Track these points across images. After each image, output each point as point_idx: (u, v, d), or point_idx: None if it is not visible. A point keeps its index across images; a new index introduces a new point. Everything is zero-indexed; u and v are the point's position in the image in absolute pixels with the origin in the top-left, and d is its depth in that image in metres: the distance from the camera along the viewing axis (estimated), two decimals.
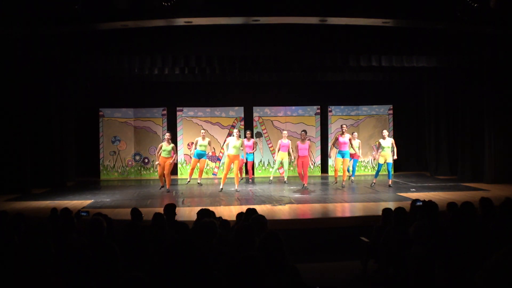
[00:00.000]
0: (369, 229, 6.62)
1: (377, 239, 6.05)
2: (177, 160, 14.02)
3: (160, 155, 11.99)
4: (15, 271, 3.39)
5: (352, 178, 13.33)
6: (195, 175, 13.28)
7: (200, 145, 12.65)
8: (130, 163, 15.33)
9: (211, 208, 6.32)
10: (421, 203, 6.36)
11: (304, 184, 12.30)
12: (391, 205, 7.86)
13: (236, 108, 15.56)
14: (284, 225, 8.16)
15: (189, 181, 13.10)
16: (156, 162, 12.34)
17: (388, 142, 12.50)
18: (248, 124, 15.58)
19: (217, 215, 6.81)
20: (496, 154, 12.70)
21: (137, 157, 15.36)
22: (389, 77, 14.88)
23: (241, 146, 11.99)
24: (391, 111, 15.86)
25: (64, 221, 5.40)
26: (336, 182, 12.87)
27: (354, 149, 12.96)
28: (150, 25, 9.77)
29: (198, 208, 6.24)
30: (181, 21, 9.44)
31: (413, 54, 11.42)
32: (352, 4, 9.28)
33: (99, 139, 15.29)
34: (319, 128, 15.73)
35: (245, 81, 15.05)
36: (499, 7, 8.56)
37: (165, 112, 15.49)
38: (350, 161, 13.13)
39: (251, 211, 5.83)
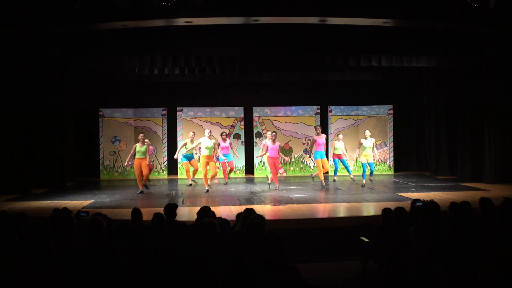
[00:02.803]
0: (369, 229, 6.62)
1: (377, 239, 6.05)
2: (151, 164, 13.87)
3: (132, 156, 11.83)
4: (16, 271, 3.39)
5: (351, 176, 13.30)
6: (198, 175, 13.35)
7: (188, 148, 12.65)
8: (130, 163, 15.30)
9: (211, 208, 6.32)
10: (421, 203, 6.36)
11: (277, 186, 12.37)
12: (391, 205, 7.83)
13: (236, 108, 15.56)
14: (284, 225, 8.16)
15: (190, 184, 13.15)
16: (125, 164, 12.31)
17: (369, 142, 12.43)
18: (248, 124, 15.58)
19: (217, 215, 6.81)
20: (496, 154, 12.70)
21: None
22: (389, 77, 14.87)
23: (216, 147, 11.92)
24: (391, 111, 15.86)
25: (64, 221, 5.40)
26: (325, 185, 12.59)
27: (342, 150, 12.89)
28: (150, 25, 9.76)
29: (198, 208, 6.24)
30: (181, 21, 9.43)
31: (413, 54, 11.41)
32: (352, 4, 9.27)
33: (99, 139, 15.29)
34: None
35: (245, 81, 15.04)
36: (499, 7, 8.56)
37: (165, 112, 15.49)
38: (326, 161, 12.85)
39: (249, 211, 5.82)
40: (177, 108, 15.41)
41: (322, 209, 9.57)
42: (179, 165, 15.17)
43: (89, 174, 15.31)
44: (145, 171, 11.85)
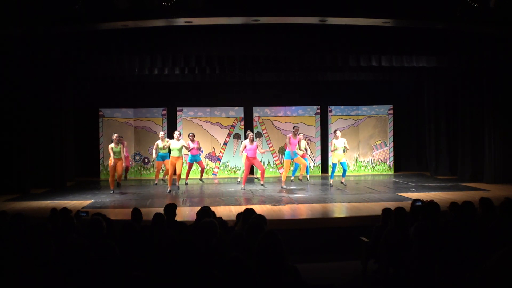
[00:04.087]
0: (369, 229, 6.62)
1: (377, 239, 6.05)
2: (128, 163, 13.88)
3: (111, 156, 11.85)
4: (15, 271, 3.39)
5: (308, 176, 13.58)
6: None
7: (161, 148, 12.48)
8: (130, 163, 15.31)
9: (211, 208, 6.31)
10: (420, 203, 6.36)
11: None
12: (391, 205, 7.83)
13: (236, 108, 15.56)
14: (284, 225, 8.17)
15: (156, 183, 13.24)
16: (107, 163, 12.32)
17: (341, 142, 12.37)
18: (248, 124, 15.58)
19: (217, 215, 6.81)
20: (496, 154, 12.70)
21: (137, 157, 15.36)
22: (389, 77, 14.88)
23: (184, 148, 11.94)
24: (391, 111, 15.86)
25: (63, 221, 5.40)
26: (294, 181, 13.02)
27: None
28: (150, 25, 9.75)
29: (198, 208, 6.24)
30: (181, 21, 9.43)
31: (413, 54, 11.42)
32: (352, 4, 9.27)
33: (99, 139, 15.28)
34: (319, 128, 15.73)
35: (245, 81, 15.05)
36: (499, 7, 8.56)
37: (165, 112, 15.49)
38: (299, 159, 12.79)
39: (250, 212, 5.81)
40: (177, 108, 15.42)
41: (322, 209, 9.57)
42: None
43: (89, 174, 15.31)
44: (119, 171, 11.92)
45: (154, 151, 12.39)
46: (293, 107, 15.74)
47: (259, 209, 9.11)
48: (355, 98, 15.90)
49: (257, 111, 15.61)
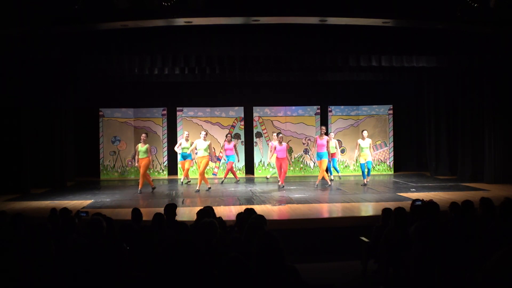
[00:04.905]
0: (369, 229, 6.62)
1: (377, 239, 6.05)
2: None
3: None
4: (16, 271, 3.39)
5: (331, 177, 13.62)
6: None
7: (184, 148, 12.96)
8: (130, 163, 15.33)
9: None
10: (420, 203, 6.36)
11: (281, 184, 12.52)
12: (391, 205, 7.84)
13: (236, 108, 15.56)
14: (284, 225, 8.17)
15: (189, 181, 13.27)
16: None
17: (367, 142, 12.52)
18: (248, 124, 15.58)
19: (217, 215, 6.80)
20: (496, 154, 12.70)
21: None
22: (389, 77, 14.88)
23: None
24: (391, 111, 15.86)
25: (63, 221, 5.40)
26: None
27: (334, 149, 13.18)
28: (150, 25, 9.75)
29: (198, 208, 6.24)
30: (181, 21, 9.43)
31: (413, 54, 11.41)
32: (352, 4, 9.27)
33: (99, 139, 15.29)
34: (319, 128, 15.72)
35: (245, 81, 15.05)
36: (499, 7, 8.56)
37: (165, 112, 15.50)
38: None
39: (250, 212, 5.81)
40: (177, 108, 15.42)
41: (322, 209, 9.57)
42: (179, 165, 15.21)
43: (89, 174, 15.31)
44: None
45: (179, 149, 12.87)
46: (293, 107, 15.74)
47: (259, 209, 9.10)
48: (355, 98, 15.90)
49: (257, 111, 15.61)
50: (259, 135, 15.53)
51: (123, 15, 8.94)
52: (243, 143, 15.55)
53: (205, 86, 15.50)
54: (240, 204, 9.86)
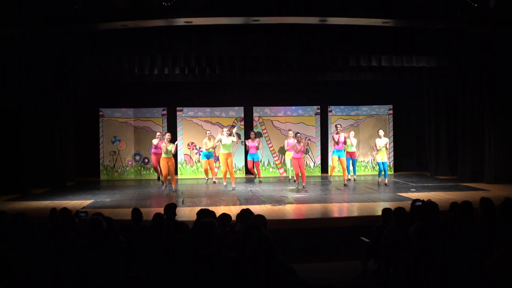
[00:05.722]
0: (369, 229, 6.62)
1: (377, 239, 6.05)
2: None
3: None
4: (16, 271, 3.39)
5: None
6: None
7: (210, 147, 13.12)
8: (130, 163, 15.34)
9: (211, 208, 6.32)
10: (420, 203, 6.36)
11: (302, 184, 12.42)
12: (391, 205, 7.84)
13: (236, 108, 15.56)
14: (284, 225, 8.17)
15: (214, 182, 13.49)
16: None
17: (383, 141, 12.60)
18: (248, 124, 15.58)
19: (217, 215, 6.80)
20: (496, 154, 12.69)
21: (137, 157, 15.36)
22: (389, 77, 14.88)
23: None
24: (391, 111, 15.86)
25: (63, 221, 5.40)
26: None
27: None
28: (150, 25, 9.75)
29: (198, 208, 6.24)
30: (181, 21, 9.43)
31: (413, 54, 11.41)
32: (352, 4, 9.27)
33: (99, 139, 15.29)
34: (319, 128, 15.73)
35: (245, 81, 15.05)
36: (499, 7, 8.56)
37: (165, 112, 15.50)
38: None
39: (247, 213, 5.72)
40: (177, 108, 15.42)
41: (322, 209, 9.56)
42: (179, 165, 15.21)
43: (89, 174, 15.30)
44: (172, 169, 12.19)
45: (209, 148, 13.01)
46: (293, 107, 15.74)
47: (259, 209, 9.12)
48: (355, 98, 15.90)
49: (257, 111, 15.61)
50: (259, 135, 15.53)
51: (123, 15, 8.94)
52: (243, 143, 15.54)
53: (205, 86, 15.49)
54: (240, 204, 9.86)
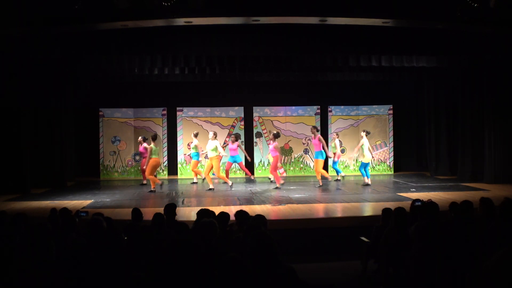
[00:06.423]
0: (369, 229, 6.62)
1: (377, 239, 6.05)
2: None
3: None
4: (16, 271, 3.39)
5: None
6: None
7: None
8: (130, 163, 15.34)
9: (211, 208, 6.32)
10: (420, 203, 6.36)
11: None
12: (391, 205, 7.84)
13: (236, 108, 15.56)
14: (284, 225, 8.16)
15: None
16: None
17: (362, 142, 12.78)
18: (248, 124, 15.58)
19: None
20: (496, 154, 12.69)
21: (137, 157, 15.34)
22: (389, 77, 14.88)
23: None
24: (391, 111, 15.86)
25: (63, 221, 5.40)
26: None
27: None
28: (150, 25, 9.75)
29: (198, 208, 6.24)
30: (181, 21, 9.43)
31: (413, 54, 11.41)
32: (352, 4, 9.27)
33: (99, 139, 15.29)
34: (319, 128, 15.71)
35: (245, 81, 15.05)
36: (499, 7, 8.56)
37: (165, 112, 15.50)
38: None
39: (243, 215, 5.70)
40: (177, 108, 15.42)
41: (322, 209, 9.57)
42: (179, 165, 15.22)
43: (89, 174, 15.31)
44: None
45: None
46: (293, 107, 15.74)
47: (259, 209, 9.12)
48: (355, 98, 15.90)
49: (257, 111, 15.61)
50: (259, 135, 15.53)
51: (123, 15, 8.94)
52: (243, 143, 15.54)
53: (205, 86, 15.49)
54: (240, 204, 9.86)
